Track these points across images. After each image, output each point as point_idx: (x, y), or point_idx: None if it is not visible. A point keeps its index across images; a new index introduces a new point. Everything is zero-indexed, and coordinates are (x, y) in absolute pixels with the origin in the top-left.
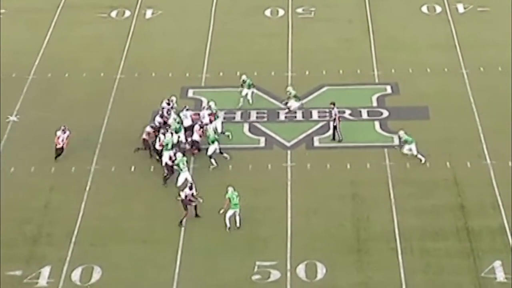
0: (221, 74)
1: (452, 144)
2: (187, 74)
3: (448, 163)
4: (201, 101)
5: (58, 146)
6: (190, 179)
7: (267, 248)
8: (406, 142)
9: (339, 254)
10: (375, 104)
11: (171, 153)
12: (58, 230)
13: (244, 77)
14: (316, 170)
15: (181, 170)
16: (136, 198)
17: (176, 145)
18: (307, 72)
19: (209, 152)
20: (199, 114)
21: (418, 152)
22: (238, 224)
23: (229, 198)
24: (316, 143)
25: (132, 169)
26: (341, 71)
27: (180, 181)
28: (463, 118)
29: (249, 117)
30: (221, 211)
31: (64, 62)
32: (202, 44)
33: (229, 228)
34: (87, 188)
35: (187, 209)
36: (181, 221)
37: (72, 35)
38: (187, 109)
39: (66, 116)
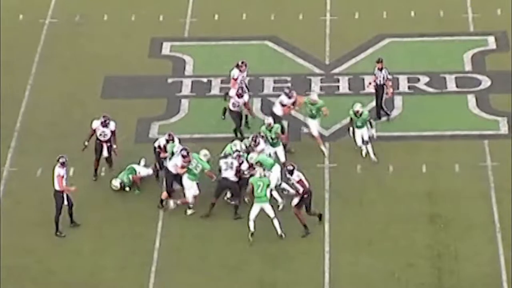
0: (216, 17)
1: None
2: (161, 18)
3: None
4: (183, 62)
5: None
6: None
7: None
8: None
9: None
10: (468, 67)
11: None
12: None
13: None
14: (370, 175)
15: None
16: (77, 220)
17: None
18: (356, 15)
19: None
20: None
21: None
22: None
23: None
24: (371, 131)
25: (71, 172)
26: (412, 13)
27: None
28: None
29: (262, 88)
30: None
31: None
32: None
33: (252, 234)
34: None
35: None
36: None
37: None
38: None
39: None
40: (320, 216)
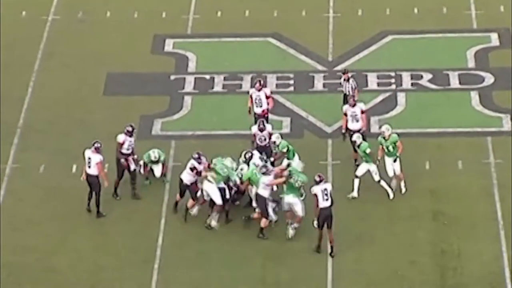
0: (218, 13)
1: None
2: (164, 14)
3: None
4: (186, 59)
5: None
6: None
7: None
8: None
9: None
10: (471, 64)
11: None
12: None
13: None
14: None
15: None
16: (79, 217)
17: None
18: (359, 12)
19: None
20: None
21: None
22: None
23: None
24: (374, 128)
25: (74, 169)
26: (415, 10)
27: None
28: None
29: (265, 85)
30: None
31: None
32: None
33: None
34: None
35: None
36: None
37: None
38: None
39: None
40: (319, 248)
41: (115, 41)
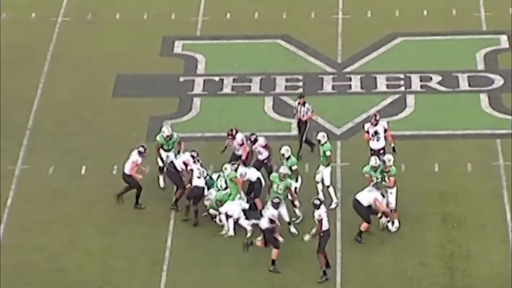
0: (228, 15)
1: None
2: (173, 16)
3: None
4: (195, 60)
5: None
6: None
7: None
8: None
9: None
10: (481, 66)
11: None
12: None
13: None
14: None
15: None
16: (88, 218)
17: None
18: (368, 14)
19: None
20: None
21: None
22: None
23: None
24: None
25: (83, 170)
26: (425, 12)
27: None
28: None
29: (274, 87)
30: None
31: None
32: None
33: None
34: (8, 203)
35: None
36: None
37: None
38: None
39: None
40: (328, 264)
41: (125, 42)
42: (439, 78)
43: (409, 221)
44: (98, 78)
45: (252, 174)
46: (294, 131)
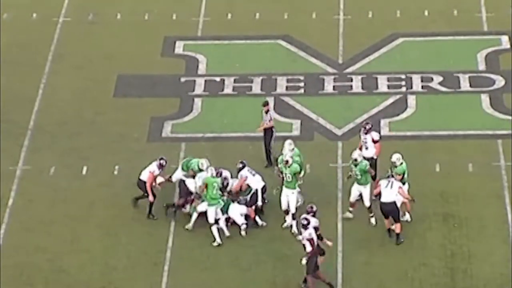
0: (229, 16)
1: None
2: (174, 16)
3: None
4: (197, 61)
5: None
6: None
7: None
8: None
9: None
10: (482, 66)
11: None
12: None
13: None
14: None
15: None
16: (90, 218)
17: None
18: (370, 14)
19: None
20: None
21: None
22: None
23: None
24: (385, 130)
25: (84, 171)
26: (426, 12)
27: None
28: None
29: (275, 88)
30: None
31: None
32: None
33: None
34: (9, 203)
35: None
36: None
37: None
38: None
39: None
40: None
41: (126, 43)
42: (440, 78)
43: (410, 222)
44: (99, 79)
45: (256, 182)
46: (296, 132)
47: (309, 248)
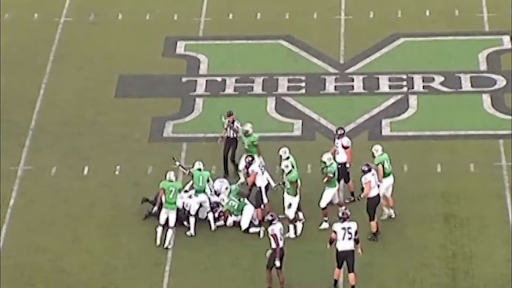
0: (230, 16)
1: None
2: (175, 17)
3: None
4: (198, 61)
5: None
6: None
7: None
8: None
9: None
10: (483, 66)
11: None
12: None
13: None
14: None
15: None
16: (91, 218)
17: None
18: (371, 14)
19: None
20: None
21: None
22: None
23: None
24: (386, 131)
25: (85, 171)
26: (427, 12)
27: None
28: None
29: (276, 88)
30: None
31: None
32: None
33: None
34: (10, 203)
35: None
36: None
37: None
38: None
39: None
40: None
41: (127, 43)
42: (442, 78)
43: (411, 222)
44: (100, 79)
45: (261, 180)
46: (297, 132)
47: (273, 244)
